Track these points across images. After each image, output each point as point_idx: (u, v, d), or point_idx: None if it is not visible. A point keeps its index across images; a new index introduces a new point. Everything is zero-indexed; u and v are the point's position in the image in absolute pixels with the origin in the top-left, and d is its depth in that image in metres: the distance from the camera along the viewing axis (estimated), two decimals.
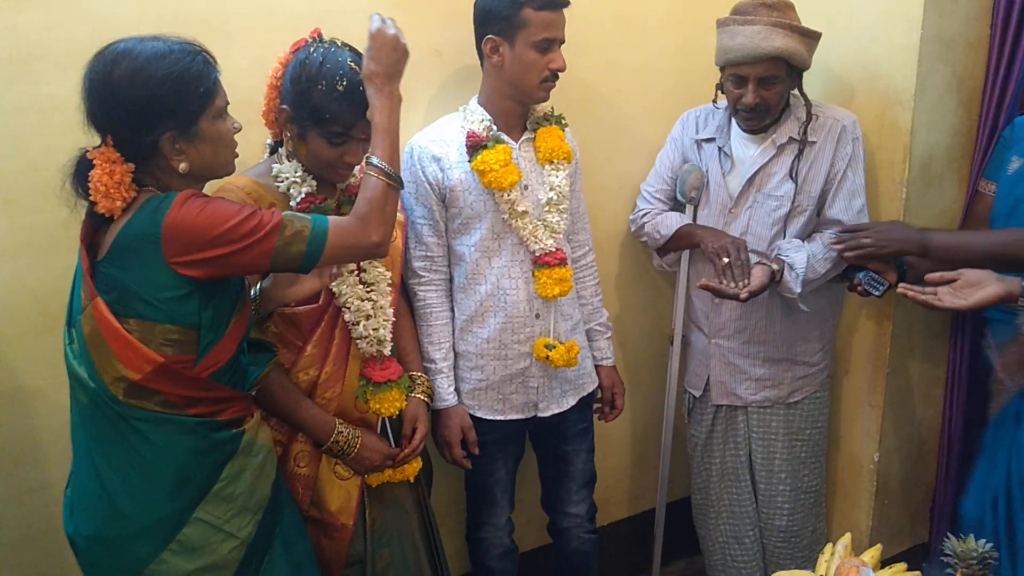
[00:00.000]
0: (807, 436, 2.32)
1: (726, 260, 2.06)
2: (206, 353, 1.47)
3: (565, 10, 1.95)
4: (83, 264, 1.45)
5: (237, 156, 1.56)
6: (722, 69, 2.11)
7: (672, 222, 2.27)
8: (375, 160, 1.56)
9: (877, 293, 2.08)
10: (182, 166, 1.45)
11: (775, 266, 2.09)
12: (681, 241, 2.27)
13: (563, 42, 1.96)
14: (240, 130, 1.55)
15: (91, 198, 1.42)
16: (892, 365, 2.32)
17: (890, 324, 2.29)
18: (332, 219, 1.52)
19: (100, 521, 1.49)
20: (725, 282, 2.05)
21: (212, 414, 1.51)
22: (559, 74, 1.96)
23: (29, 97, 1.75)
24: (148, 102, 1.39)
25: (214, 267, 1.43)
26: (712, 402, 2.34)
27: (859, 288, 2.11)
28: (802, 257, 2.08)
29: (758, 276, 2.07)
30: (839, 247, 2.06)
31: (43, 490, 1.89)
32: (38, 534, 1.92)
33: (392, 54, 1.60)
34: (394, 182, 1.57)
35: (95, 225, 1.48)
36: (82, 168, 1.44)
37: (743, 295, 2.02)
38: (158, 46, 1.42)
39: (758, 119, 2.09)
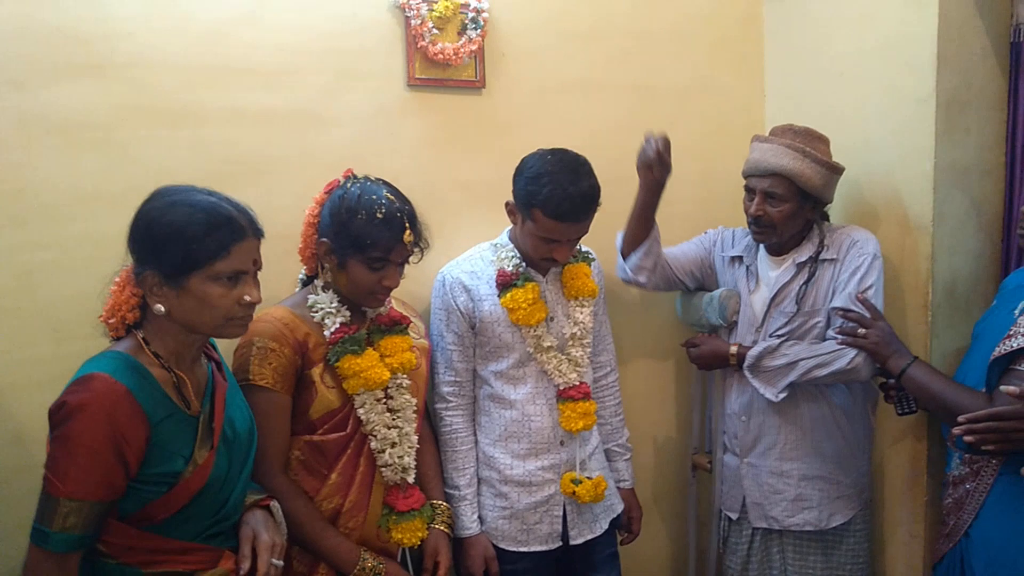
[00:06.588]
0: (848, 573, 2.23)
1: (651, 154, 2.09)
2: (130, 513, 1.43)
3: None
4: None
5: (237, 322, 1.51)
6: None
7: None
8: None
9: (899, 411, 2.06)
10: (156, 307, 1.46)
11: (733, 349, 2.21)
12: (637, 210, 2.24)
13: (580, 237, 2.00)
14: (252, 302, 1.50)
15: (104, 310, 1.49)
16: (931, 492, 2.25)
17: (925, 447, 2.23)
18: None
19: None
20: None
21: (146, 564, 1.44)
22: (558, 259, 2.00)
23: (84, 232, 1.88)
24: (144, 239, 1.45)
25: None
26: (751, 524, 2.28)
27: (890, 394, 2.08)
28: (760, 346, 2.15)
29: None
30: (839, 334, 2.05)
31: None
32: None
33: None
34: None
35: None
36: None
37: None
38: (191, 199, 1.46)
39: (764, 233, 2.16)
